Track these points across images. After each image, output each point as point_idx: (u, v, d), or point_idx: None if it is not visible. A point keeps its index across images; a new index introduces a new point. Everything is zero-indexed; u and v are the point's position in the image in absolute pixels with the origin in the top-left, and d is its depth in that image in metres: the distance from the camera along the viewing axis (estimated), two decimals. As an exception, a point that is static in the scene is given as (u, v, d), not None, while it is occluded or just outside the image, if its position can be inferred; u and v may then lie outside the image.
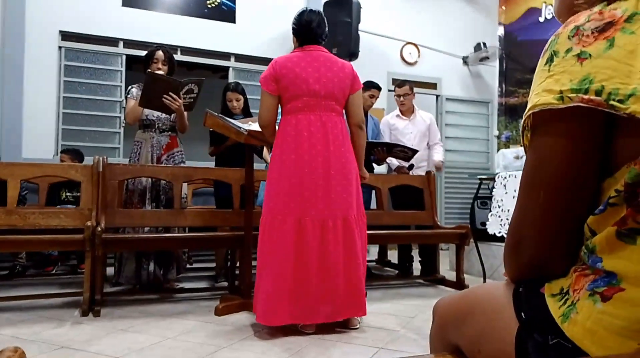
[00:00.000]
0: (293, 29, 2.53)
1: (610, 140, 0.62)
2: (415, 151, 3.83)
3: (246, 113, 3.70)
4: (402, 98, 4.22)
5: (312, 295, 2.31)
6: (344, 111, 2.55)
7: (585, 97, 0.59)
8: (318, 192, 2.35)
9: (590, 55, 0.60)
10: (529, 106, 0.66)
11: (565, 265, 0.66)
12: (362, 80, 3.89)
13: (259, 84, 5.87)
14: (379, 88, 4.13)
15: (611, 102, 0.57)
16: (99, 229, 2.70)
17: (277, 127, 2.56)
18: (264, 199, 2.49)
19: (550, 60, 0.65)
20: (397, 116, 4.32)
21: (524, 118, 0.68)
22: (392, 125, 4.28)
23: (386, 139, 4.15)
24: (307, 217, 2.34)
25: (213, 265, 4.07)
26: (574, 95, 0.60)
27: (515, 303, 0.69)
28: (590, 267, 0.63)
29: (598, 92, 0.58)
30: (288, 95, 2.42)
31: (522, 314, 0.67)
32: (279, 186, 2.39)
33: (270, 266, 2.35)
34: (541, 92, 0.64)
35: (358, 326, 2.48)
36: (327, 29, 2.54)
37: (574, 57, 0.62)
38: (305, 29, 2.47)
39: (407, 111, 4.29)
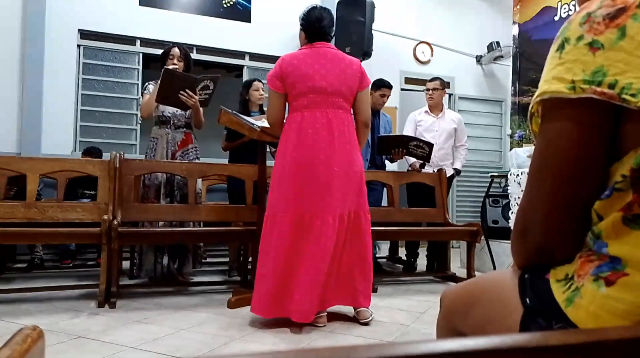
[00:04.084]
0: (302, 24, 2.52)
1: (618, 126, 0.62)
2: (431, 145, 3.80)
3: (262, 110, 3.80)
4: (430, 91, 4.21)
5: (308, 294, 2.29)
6: (351, 108, 2.54)
7: (598, 89, 0.59)
8: (319, 189, 2.35)
9: (602, 45, 0.60)
10: (538, 92, 0.66)
11: (572, 251, 0.67)
12: (375, 79, 3.95)
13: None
14: (389, 87, 4.13)
15: (623, 95, 0.58)
16: (115, 223, 2.76)
17: None
18: (268, 195, 2.50)
19: (561, 47, 0.65)
20: (426, 112, 4.28)
21: (532, 104, 0.68)
22: (419, 121, 4.25)
23: (410, 135, 4.11)
24: (307, 214, 2.33)
25: (226, 259, 4.12)
26: (587, 86, 0.60)
27: (521, 289, 0.70)
28: (596, 252, 0.63)
29: (611, 86, 0.58)
30: (294, 92, 2.43)
31: (527, 300, 0.68)
32: (281, 183, 2.40)
33: (269, 263, 2.36)
34: (551, 80, 0.64)
35: (370, 320, 2.49)
36: (334, 26, 2.56)
37: (585, 46, 0.62)
38: (316, 25, 2.47)
39: (435, 107, 4.26)
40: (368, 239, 2.53)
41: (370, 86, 2.63)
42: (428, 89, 4.25)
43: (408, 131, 4.20)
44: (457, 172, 4.29)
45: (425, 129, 4.16)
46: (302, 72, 2.40)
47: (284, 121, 2.54)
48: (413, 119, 4.29)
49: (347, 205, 2.42)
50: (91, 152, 4.26)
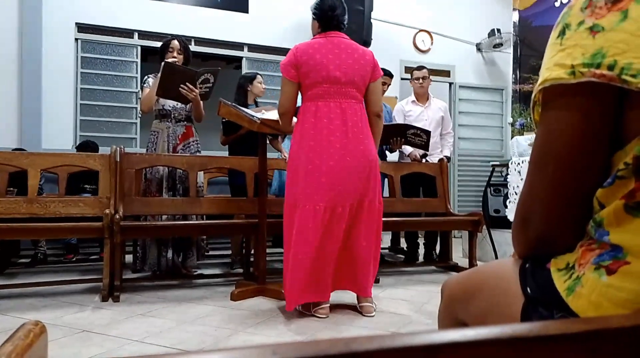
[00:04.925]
0: (315, 14, 2.51)
1: (621, 113, 0.61)
2: (429, 133, 3.81)
3: (257, 103, 3.80)
4: (421, 80, 4.21)
5: (324, 278, 2.37)
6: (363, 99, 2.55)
7: (597, 72, 0.57)
8: (335, 179, 2.37)
9: (603, 28, 0.59)
10: (540, 80, 0.65)
11: (573, 240, 0.66)
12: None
13: (273, 73, 5.89)
14: (390, 75, 4.13)
15: (623, 76, 0.56)
16: (117, 216, 2.76)
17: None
18: (285, 186, 2.52)
19: (562, 33, 0.64)
20: (413, 101, 4.28)
21: (534, 93, 0.67)
22: (407, 111, 4.25)
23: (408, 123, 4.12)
24: (323, 203, 2.35)
25: (229, 252, 4.14)
26: (586, 70, 0.58)
27: (522, 278, 0.70)
28: (597, 241, 0.63)
29: (610, 67, 0.57)
30: (308, 82, 2.42)
31: (528, 289, 0.68)
32: (298, 173, 2.42)
33: (292, 252, 2.40)
34: (552, 67, 0.63)
35: (374, 314, 2.50)
36: (347, 15, 2.54)
37: (586, 30, 0.60)
38: (329, 14, 2.46)
39: (422, 96, 4.26)
40: (380, 227, 2.56)
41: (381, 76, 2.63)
42: (418, 78, 4.23)
43: (399, 122, 4.20)
44: (447, 159, 4.29)
45: (415, 119, 4.16)
46: (317, 62, 2.39)
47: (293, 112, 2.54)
48: (401, 110, 4.29)
49: (360, 194, 2.44)
50: (86, 146, 4.23)
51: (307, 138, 2.40)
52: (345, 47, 2.45)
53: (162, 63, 3.17)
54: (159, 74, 3.16)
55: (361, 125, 2.45)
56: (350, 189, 2.40)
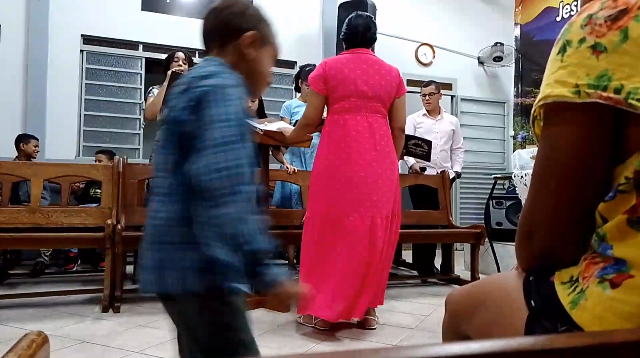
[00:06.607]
0: (343, 33, 2.56)
1: (622, 128, 0.62)
2: (430, 143, 3.82)
3: (261, 114, 3.78)
4: (427, 97, 4.24)
5: (355, 292, 2.34)
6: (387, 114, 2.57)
7: (604, 94, 0.59)
8: (365, 189, 2.38)
9: (605, 48, 0.60)
10: (540, 95, 0.66)
11: (576, 253, 0.67)
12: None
13: (277, 86, 5.91)
14: None
15: (630, 101, 0.57)
16: (119, 227, 2.76)
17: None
18: (309, 198, 2.52)
19: (563, 50, 0.65)
20: (424, 114, 4.32)
21: (534, 107, 0.68)
22: (419, 123, 4.28)
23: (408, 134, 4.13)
24: (355, 214, 2.36)
25: (229, 264, 4.12)
26: (592, 91, 0.60)
27: (526, 291, 0.70)
28: (601, 255, 0.63)
29: (617, 91, 0.58)
30: (336, 95, 2.45)
31: (532, 302, 0.68)
32: (327, 185, 2.42)
33: (319, 264, 2.38)
34: (554, 83, 0.64)
35: (375, 327, 2.48)
36: (375, 32, 2.56)
37: (588, 49, 0.61)
38: (352, 33, 2.51)
39: (433, 110, 4.29)
40: (396, 241, 2.59)
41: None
42: (424, 95, 4.27)
43: (409, 133, 4.21)
44: (458, 175, 4.30)
45: (426, 131, 4.19)
46: (345, 76, 2.43)
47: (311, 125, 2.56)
48: (412, 122, 4.31)
49: (390, 207, 2.46)
50: (104, 152, 4.33)
51: (337, 151, 2.41)
52: (372, 63, 2.49)
53: (169, 72, 3.18)
54: (166, 83, 3.17)
55: (387, 139, 2.48)
56: (383, 200, 2.42)
